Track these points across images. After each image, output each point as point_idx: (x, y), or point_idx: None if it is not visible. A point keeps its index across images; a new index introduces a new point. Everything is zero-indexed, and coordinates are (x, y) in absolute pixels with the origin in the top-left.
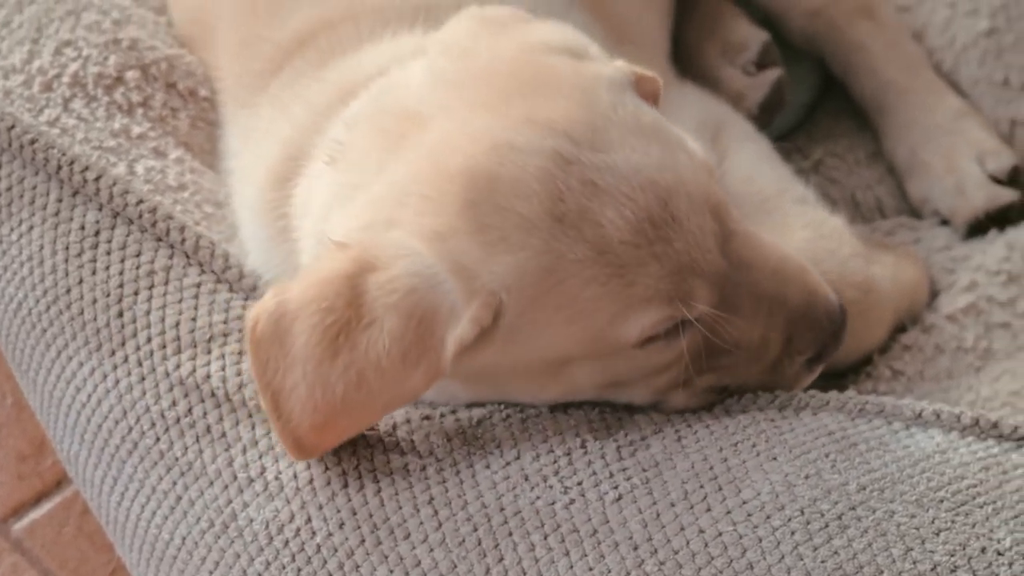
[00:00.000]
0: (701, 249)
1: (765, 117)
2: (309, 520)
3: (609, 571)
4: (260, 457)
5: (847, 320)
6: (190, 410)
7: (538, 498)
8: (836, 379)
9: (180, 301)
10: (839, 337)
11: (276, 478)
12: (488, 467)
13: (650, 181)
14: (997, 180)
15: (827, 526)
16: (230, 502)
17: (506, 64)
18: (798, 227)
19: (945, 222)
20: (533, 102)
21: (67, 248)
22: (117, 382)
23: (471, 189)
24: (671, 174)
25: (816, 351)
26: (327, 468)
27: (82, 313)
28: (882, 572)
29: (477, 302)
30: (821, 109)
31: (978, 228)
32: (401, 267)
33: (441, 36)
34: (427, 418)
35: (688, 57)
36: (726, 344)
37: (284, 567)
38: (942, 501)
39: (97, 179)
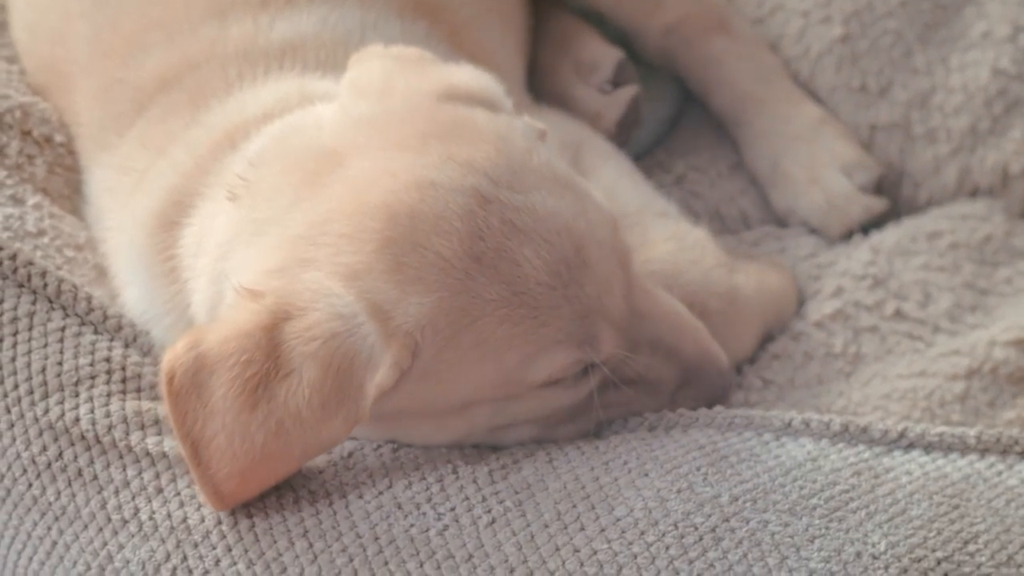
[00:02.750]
0: (610, 295)
1: (623, 135)
2: (185, 559)
3: None
4: (133, 498)
5: (733, 381)
6: (60, 454)
7: (412, 525)
8: None
9: (45, 346)
10: (726, 395)
11: (151, 518)
12: (361, 497)
13: (566, 226)
14: (865, 191)
15: (701, 539)
16: (105, 544)
17: (424, 107)
18: (660, 240)
19: (811, 230)
20: (452, 143)
21: None
22: None
23: (391, 226)
24: (584, 221)
25: (704, 401)
26: (200, 506)
27: None
28: None
29: (396, 345)
30: (681, 123)
31: (847, 236)
32: (318, 313)
33: (353, 76)
34: None
35: (543, 77)
36: (627, 385)
37: None
38: (815, 508)
39: None
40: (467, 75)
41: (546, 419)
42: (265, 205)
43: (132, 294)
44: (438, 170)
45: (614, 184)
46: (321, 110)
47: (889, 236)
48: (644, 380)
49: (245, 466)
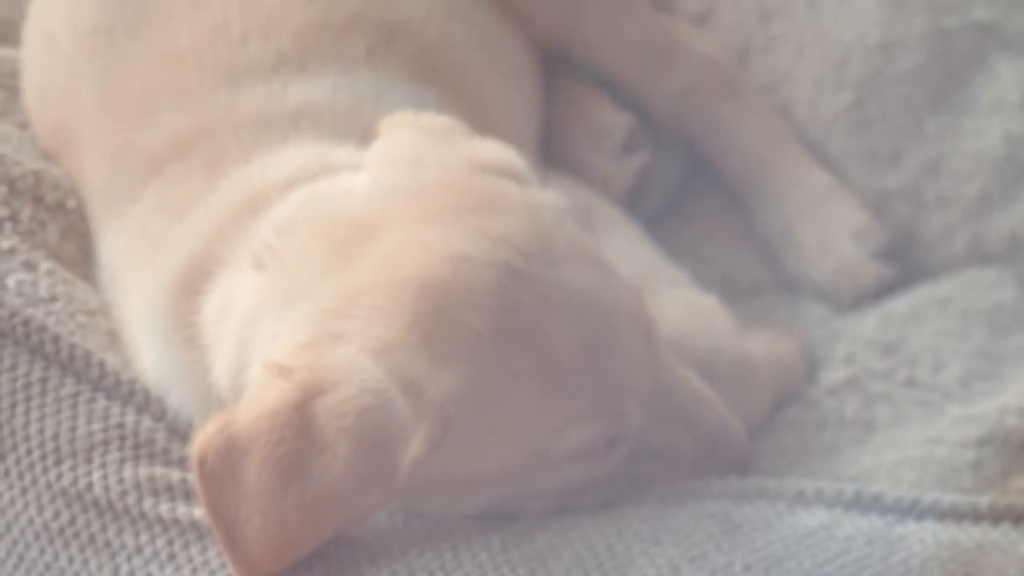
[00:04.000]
0: (636, 368)
1: (634, 201)
2: None
3: None
4: (146, 564)
5: (751, 458)
6: (74, 520)
7: None
8: None
9: (58, 412)
10: (748, 464)
11: None
12: (375, 565)
13: (595, 300)
14: (876, 257)
15: None
16: None
17: (455, 179)
18: (671, 305)
19: (822, 297)
20: (484, 217)
21: None
22: (0, 496)
23: (423, 299)
24: (612, 295)
25: (721, 474)
26: (213, 572)
27: None
28: None
29: (427, 418)
30: (691, 189)
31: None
32: (350, 387)
33: (383, 145)
34: None
35: (555, 142)
36: (649, 457)
37: None
38: None
39: None
40: (495, 148)
41: (569, 490)
42: (294, 274)
43: (150, 360)
44: (471, 243)
45: (625, 251)
46: (350, 179)
47: (900, 303)
48: (665, 452)
49: (281, 546)
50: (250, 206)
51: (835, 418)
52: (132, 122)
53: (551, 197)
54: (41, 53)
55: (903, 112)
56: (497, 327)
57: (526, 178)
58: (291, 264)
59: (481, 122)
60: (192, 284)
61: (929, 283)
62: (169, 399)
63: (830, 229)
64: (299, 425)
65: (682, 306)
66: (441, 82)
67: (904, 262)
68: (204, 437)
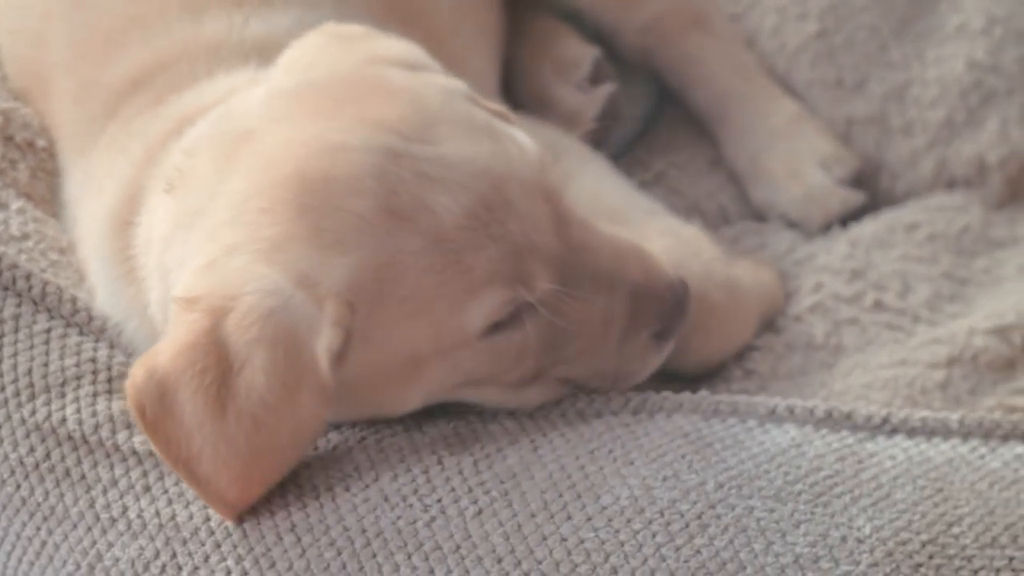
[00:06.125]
0: (537, 231)
1: (603, 132)
2: (174, 556)
3: None
4: (121, 496)
5: (690, 295)
6: (48, 455)
7: (399, 518)
8: (690, 384)
9: (31, 348)
10: (684, 310)
11: (139, 516)
12: (348, 490)
13: (482, 169)
14: (843, 184)
15: (687, 526)
16: (95, 543)
17: (340, 75)
18: (657, 235)
19: (790, 225)
20: (363, 105)
21: None
22: None
23: (305, 193)
24: (502, 162)
25: (662, 323)
26: (188, 503)
27: None
28: (744, 568)
29: (330, 307)
30: (659, 121)
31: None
32: (251, 297)
33: (284, 57)
34: None
35: (522, 78)
36: (569, 324)
37: None
38: (800, 493)
39: None
40: (393, 43)
41: (503, 375)
42: (194, 196)
43: (101, 298)
44: (347, 132)
45: (597, 185)
46: (253, 91)
47: (867, 228)
48: (591, 320)
49: (240, 470)
50: (176, 130)
51: (803, 342)
52: (98, 59)
53: (443, 79)
54: None
55: (867, 40)
56: (380, 209)
57: (422, 64)
58: (192, 186)
59: (444, 62)
60: (124, 216)
61: (896, 209)
62: (123, 336)
63: (797, 157)
64: (215, 351)
65: (669, 235)
66: (405, 21)
67: (871, 189)
68: (134, 387)
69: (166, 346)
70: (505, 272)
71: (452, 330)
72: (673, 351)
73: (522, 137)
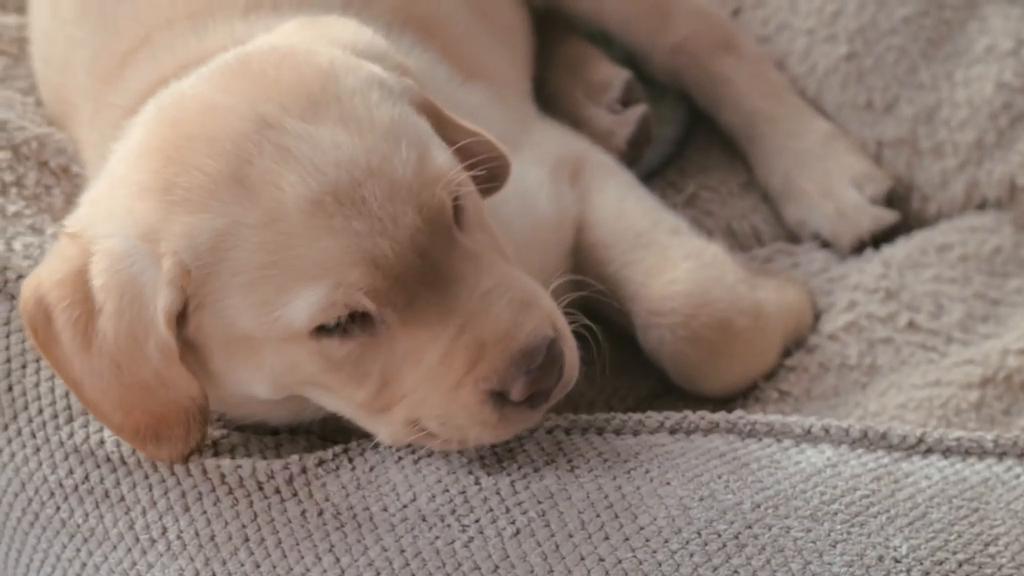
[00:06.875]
0: (391, 240)
1: (634, 153)
2: (214, 575)
3: None
4: (160, 517)
5: (561, 359)
6: (87, 476)
7: (437, 538)
8: (724, 404)
9: None
10: (547, 373)
11: (179, 537)
12: (385, 510)
13: (345, 158)
14: (875, 202)
15: (725, 546)
16: (135, 564)
17: (273, 48)
18: (679, 258)
19: (823, 245)
20: (268, 75)
21: None
22: (13, 455)
23: (171, 147)
24: (373, 158)
25: (501, 384)
26: (227, 523)
27: None
28: None
29: (167, 265)
30: (690, 143)
31: (858, 248)
32: (108, 242)
33: (264, 35)
34: (321, 464)
35: (554, 100)
36: (403, 353)
37: None
38: (836, 513)
39: None
40: (348, 26)
41: (345, 389)
42: (121, 145)
43: None
44: (230, 95)
45: (620, 201)
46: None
47: (900, 249)
48: (427, 355)
49: (117, 401)
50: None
51: (838, 363)
52: (112, 82)
53: (370, 67)
54: (45, 20)
55: (897, 62)
56: (231, 175)
57: (376, 55)
58: (126, 136)
59: (468, 71)
60: None
61: (928, 230)
62: None
63: (830, 176)
64: (82, 290)
65: (691, 258)
66: (421, 31)
67: (902, 210)
68: (25, 309)
69: (48, 273)
70: (336, 272)
71: (278, 319)
72: (698, 375)
73: (438, 152)
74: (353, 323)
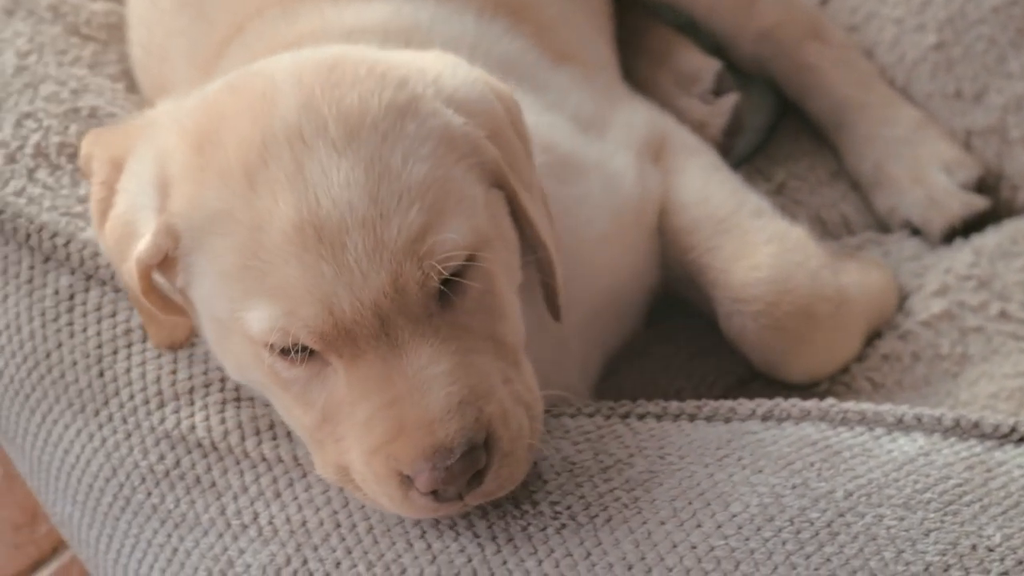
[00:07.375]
0: (352, 296)
1: (728, 142)
2: (306, 562)
3: None
4: (252, 503)
5: (478, 466)
6: (178, 462)
7: (529, 524)
8: (811, 389)
9: (159, 356)
10: (455, 477)
11: (270, 523)
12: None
13: (348, 201)
14: (966, 189)
15: (818, 534)
16: (226, 550)
17: (365, 65)
18: (761, 242)
19: (914, 233)
20: (340, 90)
21: (43, 313)
22: (104, 440)
23: (215, 118)
24: (377, 213)
25: (409, 469)
26: (319, 509)
27: (63, 376)
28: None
29: (160, 223)
30: (779, 131)
31: (949, 237)
32: (131, 166)
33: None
34: None
35: (642, 90)
36: (336, 399)
37: None
38: (929, 502)
39: (67, 244)
40: (457, 70)
41: (294, 410)
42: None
43: None
44: (295, 87)
45: (703, 185)
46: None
47: (990, 238)
48: (354, 412)
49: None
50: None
51: (930, 352)
52: (209, 70)
53: (448, 119)
54: (143, 7)
55: (986, 51)
56: (244, 168)
57: (470, 107)
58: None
59: (558, 54)
60: None
61: (1018, 219)
62: None
63: (921, 163)
64: (112, 180)
65: (773, 242)
66: (512, 15)
67: (993, 199)
68: (81, 150)
69: (103, 143)
70: (291, 302)
71: (240, 319)
72: (781, 362)
73: (454, 226)
74: (305, 351)
